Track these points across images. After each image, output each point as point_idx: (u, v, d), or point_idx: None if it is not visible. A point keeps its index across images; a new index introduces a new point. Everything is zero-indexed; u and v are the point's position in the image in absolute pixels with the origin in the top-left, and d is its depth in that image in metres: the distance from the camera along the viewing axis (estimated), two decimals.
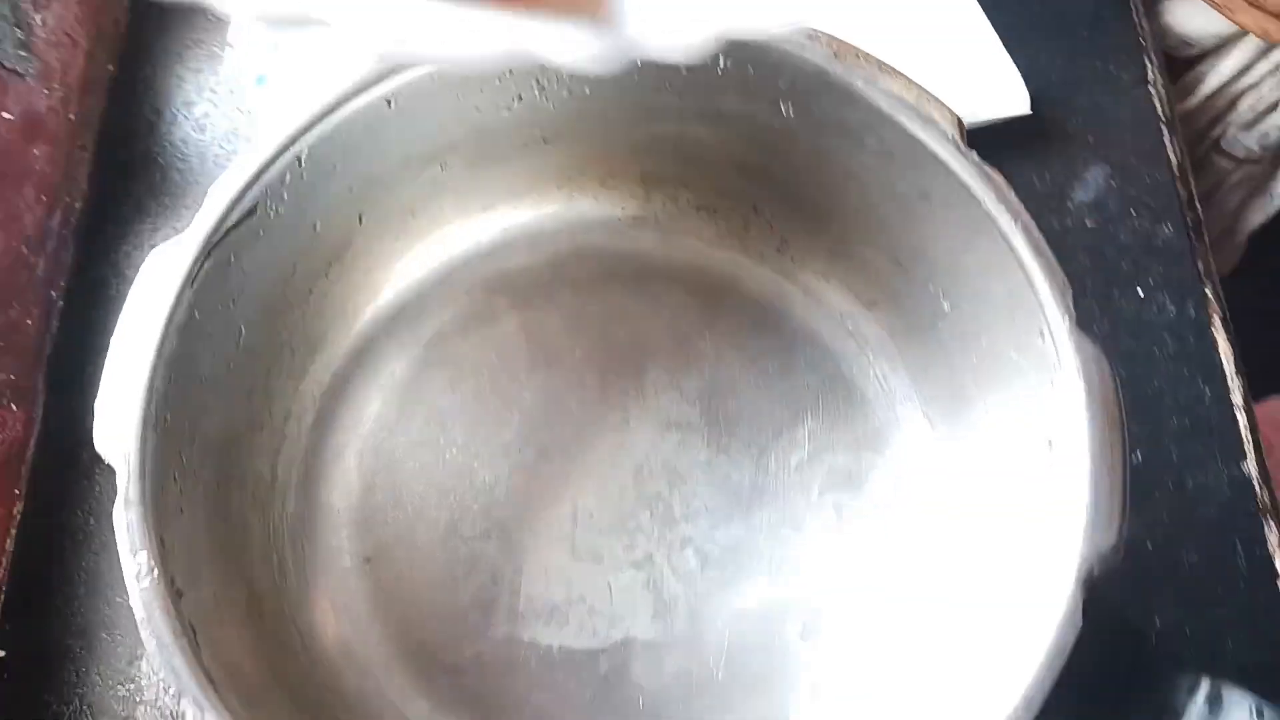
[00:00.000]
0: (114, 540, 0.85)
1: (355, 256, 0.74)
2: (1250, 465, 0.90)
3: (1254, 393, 0.92)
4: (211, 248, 0.58)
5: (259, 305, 0.66)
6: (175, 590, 0.53)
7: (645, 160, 0.77)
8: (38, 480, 0.88)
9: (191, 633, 0.53)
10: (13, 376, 0.90)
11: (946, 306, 0.70)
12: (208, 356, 0.61)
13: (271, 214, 0.62)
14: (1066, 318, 0.58)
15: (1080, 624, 0.51)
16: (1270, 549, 0.87)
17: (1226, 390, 0.93)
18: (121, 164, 1.01)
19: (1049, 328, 0.58)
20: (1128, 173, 1.01)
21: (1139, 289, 0.97)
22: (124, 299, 0.96)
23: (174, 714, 0.82)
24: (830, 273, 0.78)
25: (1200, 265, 0.97)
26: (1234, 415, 0.92)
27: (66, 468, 0.90)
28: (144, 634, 0.51)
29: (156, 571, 0.52)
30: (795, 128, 0.68)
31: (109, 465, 0.57)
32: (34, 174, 0.94)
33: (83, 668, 0.84)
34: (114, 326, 0.97)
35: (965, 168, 0.62)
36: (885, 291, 0.76)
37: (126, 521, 0.52)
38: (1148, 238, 0.99)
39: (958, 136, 0.63)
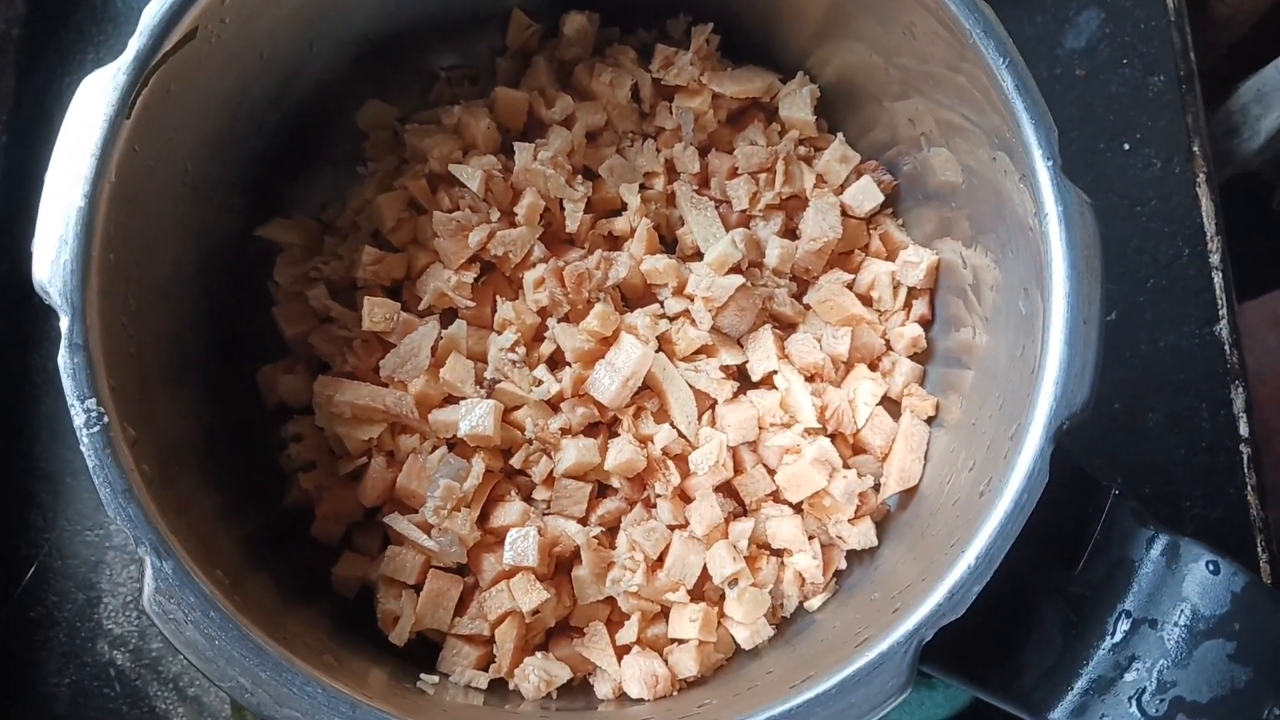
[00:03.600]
0: None
1: (305, 87, 0.69)
2: (1223, 328, 0.90)
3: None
4: (149, 75, 0.54)
5: (204, 139, 0.62)
6: (129, 436, 0.51)
7: None
8: None
9: (146, 479, 0.51)
10: None
11: (925, 146, 0.68)
12: (151, 193, 0.57)
13: (213, 39, 0.57)
14: (1051, 162, 0.55)
15: (1047, 476, 0.51)
16: (1235, 412, 0.88)
17: (1206, 250, 0.92)
18: None
19: (1032, 171, 0.55)
20: (1121, 17, 0.96)
21: (1125, 143, 0.94)
22: None
23: (140, 559, 0.83)
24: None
25: (1190, 120, 0.95)
26: (1210, 276, 0.91)
27: (20, 309, 0.87)
28: (96, 481, 0.50)
29: (107, 419, 0.50)
30: None
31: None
32: None
33: (50, 513, 0.83)
34: None
35: None
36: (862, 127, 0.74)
37: (71, 367, 0.50)
38: (1138, 88, 0.95)
39: None
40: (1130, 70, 0.96)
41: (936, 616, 0.50)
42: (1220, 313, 0.91)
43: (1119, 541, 0.54)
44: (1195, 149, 0.94)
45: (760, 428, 0.67)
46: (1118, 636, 0.53)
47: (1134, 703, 0.51)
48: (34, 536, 0.83)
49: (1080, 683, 0.52)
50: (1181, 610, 0.52)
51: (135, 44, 0.54)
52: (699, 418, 0.67)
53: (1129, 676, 0.52)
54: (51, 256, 0.51)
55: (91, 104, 0.53)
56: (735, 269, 0.68)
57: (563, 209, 0.69)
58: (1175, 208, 0.93)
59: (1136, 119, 0.95)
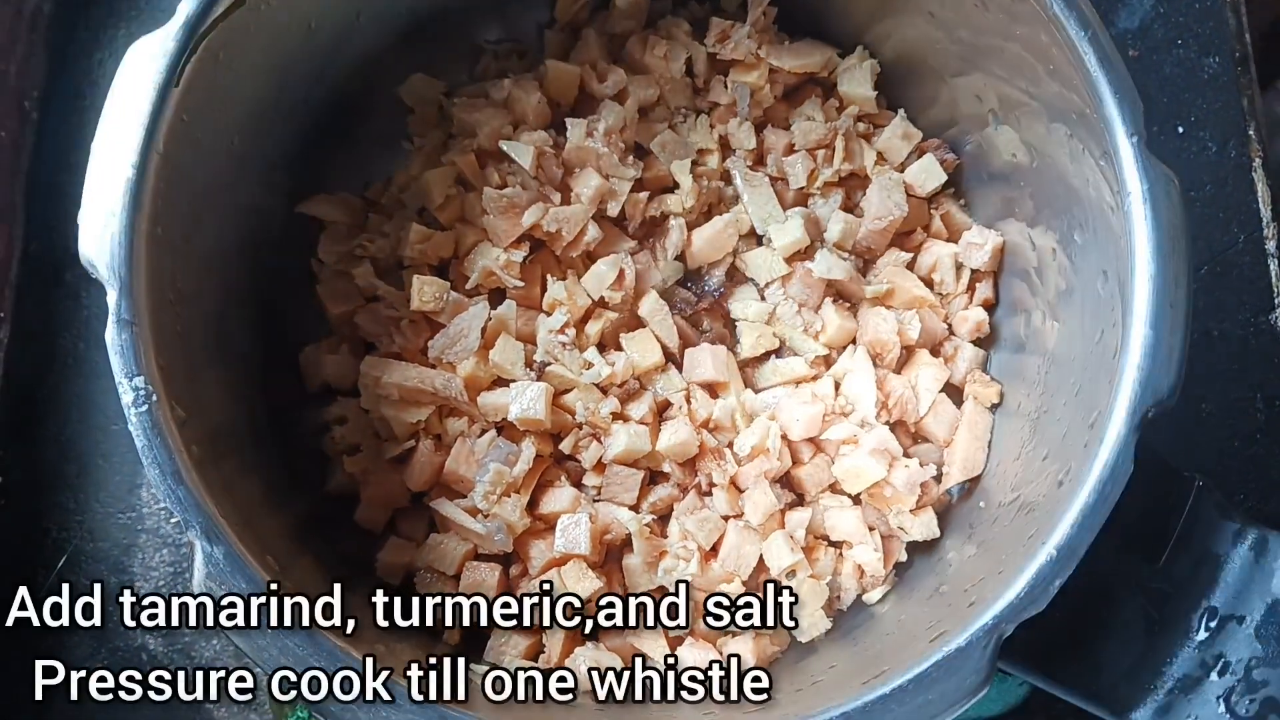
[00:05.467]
0: (107, 365, 0.85)
1: (350, 60, 0.67)
2: (1278, 316, 0.88)
3: None
4: (198, 42, 0.52)
5: (251, 112, 0.60)
6: (178, 416, 0.49)
7: None
8: (23, 303, 0.85)
9: (195, 460, 0.49)
10: None
11: (992, 123, 0.65)
12: (198, 166, 0.55)
13: (262, 5, 0.55)
14: (1135, 138, 0.53)
15: (1132, 467, 0.49)
16: None
17: (1261, 236, 0.89)
18: None
19: (1114, 147, 0.53)
20: None
21: (1179, 125, 0.92)
22: (100, 111, 0.91)
23: (175, 542, 0.81)
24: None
25: (1245, 103, 0.92)
26: (1266, 263, 0.89)
27: (52, 289, 0.85)
28: (145, 462, 0.48)
29: (156, 397, 0.48)
30: None
31: (99, 286, 0.53)
32: None
33: (81, 495, 0.82)
34: (92, 139, 0.92)
35: None
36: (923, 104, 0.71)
37: (120, 344, 0.48)
38: (1193, 70, 0.93)
39: None
40: (1184, 51, 0.93)
41: (1017, 610, 0.48)
42: (1275, 300, 0.89)
43: (1203, 535, 0.52)
44: (1251, 132, 0.92)
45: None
46: (1204, 634, 0.51)
47: (1223, 702, 0.49)
48: (66, 519, 0.82)
49: (1165, 682, 0.50)
50: (1271, 607, 0.50)
51: (185, 9, 0.52)
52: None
53: (1216, 675, 0.50)
54: (99, 228, 0.50)
55: (139, 71, 0.51)
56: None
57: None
58: (1230, 192, 0.91)
59: (1191, 101, 0.92)
